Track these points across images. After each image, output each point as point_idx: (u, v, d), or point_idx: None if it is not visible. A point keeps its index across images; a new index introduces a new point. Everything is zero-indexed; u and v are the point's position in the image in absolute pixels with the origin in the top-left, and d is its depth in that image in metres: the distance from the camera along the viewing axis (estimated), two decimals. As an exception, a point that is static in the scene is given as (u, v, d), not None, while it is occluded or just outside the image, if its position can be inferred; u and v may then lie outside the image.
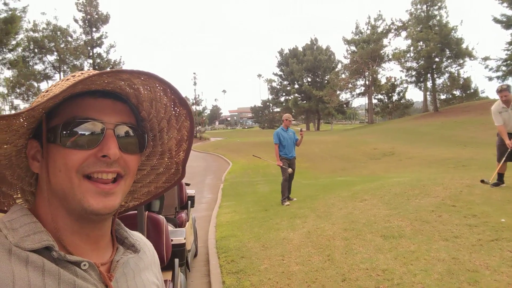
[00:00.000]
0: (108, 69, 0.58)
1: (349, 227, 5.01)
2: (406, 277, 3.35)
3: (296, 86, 53.62)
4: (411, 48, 37.11)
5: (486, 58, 32.75)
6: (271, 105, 64.42)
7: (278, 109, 61.31)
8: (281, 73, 56.72)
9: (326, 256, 4.17)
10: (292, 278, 3.75)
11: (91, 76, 0.56)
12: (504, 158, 5.99)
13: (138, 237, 0.80)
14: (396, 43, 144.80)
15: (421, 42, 35.26)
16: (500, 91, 5.98)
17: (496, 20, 31.51)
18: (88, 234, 0.65)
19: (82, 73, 0.63)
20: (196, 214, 6.66)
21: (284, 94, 58.05)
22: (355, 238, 4.56)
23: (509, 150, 5.88)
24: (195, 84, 51.35)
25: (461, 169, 11.50)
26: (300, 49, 55.03)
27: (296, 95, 53.85)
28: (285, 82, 56.58)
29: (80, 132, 0.60)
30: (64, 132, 0.60)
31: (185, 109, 0.71)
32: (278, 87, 58.27)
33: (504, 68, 31.42)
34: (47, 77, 35.31)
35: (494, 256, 3.42)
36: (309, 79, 53.57)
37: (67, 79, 0.63)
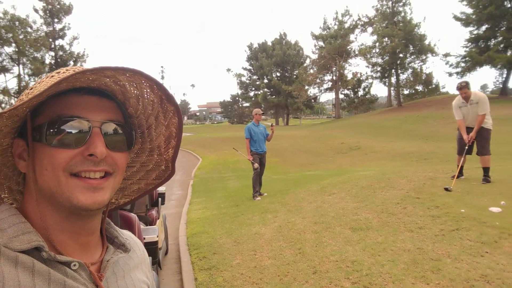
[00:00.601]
0: (93, 67, 0.56)
1: (319, 220, 5.12)
2: (374, 268, 3.47)
3: (266, 80, 53.83)
4: (377, 44, 38.10)
5: (446, 55, 34.26)
6: (241, 99, 64.38)
7: (248, 104, 61.37)
8: (250, 67, 56.76)
9: (297, 250, 4.25)
10: (265, 272, 3.80)
11: (75, 73, 0.54)
12: (464, 152, 6.30)
13: (128, 236, 0.79)
14: (363, 38, 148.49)
15: (386, 38, 36.25)
16: (460, 88, 6.25)
17: (456, 18, 32.98)
18: (78, 233, 0.65)
19: (67, 69, 0.62)
20: (166, 211, 6.58)
21: (253, 88, 58.16)
22: (325, 231, 4.67)
23: (467, 144, 6.20)
24: (162, 78, 50.58)
25: (423, 162, 12.02)
26: (269, 43, 55.19)
27: (265, 89, 54.07)
28: (255, 77, 56.65)
29: (66, 131, 0.59)
30: (50, 130, 0.59)
31: (172, 105, 0.70)
32: (248, 81, 58.29)
33: (463, 64, 32.99)
34: (4, 69, 33.36)
35: (455, 245, 3.62)
36: (278, 74, 53.89)
37: (52, 76, 0.62)
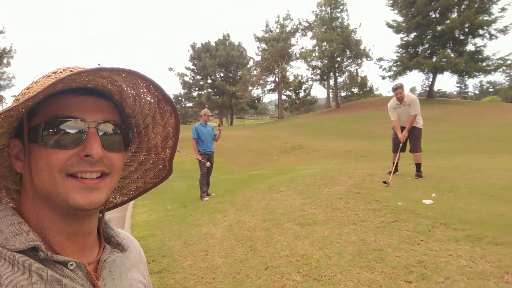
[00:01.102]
0: (88, 68, 0.56)
1: (268, 217, 5.24)
2: (323, 260, 3.64)
3: (209, 81, 53.37)
4: (316, 48, 39.60)
5: (380, 59, 36.63)
6: (184, 100, 63.17)
7: (191, 104, 60.41)
8: (193, 67, 55.85)
9: (249, 247, 4.31)
10: (217, 272, 3.80)
11: (71, 75, 0.54)
12: (398, 149, 6.80)
13: (124, 236, 0.80)
14: (303, 42, 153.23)
15: (325, 43, 37.83)
16: (395, 89, 6.76)
17: (389, 25, 35.40)
18: (74, 233, 0.64)
19: (64, 69, 0.62)
20: (109, 216, 6.29)
21: (197, 88, 57.33)
22: (275, 228, 4.79)
23: (401, 142, 6.71)
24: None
25: (360, 159, 12.75)
26: (213, 43, 54.84)
27: (209, 90, 53.62)
28: (198, 77, 55.89)
29: (62, 131, 0.59)
30: (46, 131, 0.59)
31: (169, 105, 0.71)
32: (191, 81, 57.34)
33: (395, 69, 35.51)
34: None
35: (395, 236, 3.91)
36: (222, 74, 53.75)
37: (48, 76, 0.61)
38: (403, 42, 35.51)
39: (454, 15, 32.08)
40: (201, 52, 53.61)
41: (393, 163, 6.90)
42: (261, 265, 3.79)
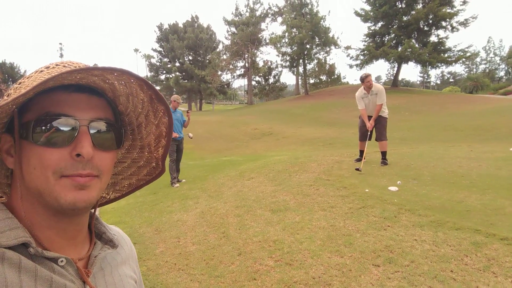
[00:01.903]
0: (80, 67, 0.54)
1: (240, 204, 5.28)
2: (294, 245, 3.73)
3: (177, 64, 52.18)
4: (286, 34, 39.60)
5: (348, 48, 37.25)
6: (151, 83, 61.51)
7: (158, 88, 58.96)
8: (161, 49, 54.28)
9: (221, 234, 4.34)
10: (190, 258, 3.81)
11: (61, 74, 0.53)
12: (367, 138, 7.01)
13: (116, 232, 0.79)
14: (273, 28, 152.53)
15: (295, 29, 37.88)
16: (365, 77, 6.93)
17: (357, 14, 35.92)
18: (65, 229, 0.63)
19: (56, 64, 0.60)
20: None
21: (164, 72, 55.92)
22: (247, 214, 4.84)
23: (369, 131, 6.92)
24: (61, 56, 45.55)
25: (328, 147, 13.04)
26: (181, 25, 53.43)
27: (177, 73, 52.49)
28: (166, 59, 54.48)
29: (52, 129, 0.58)
30: (37, 128, 0.57)
31: (162, 105, 0.70)
32: (158, 64, 55.78)
33: (362, 57, 36.27)
34: None
35: (362, 221, 4.07)
36: (190, 58, 52.63)
37: (41, 71, 0.60)
38: (370, 31, 36.24)
39: (419, 6, 33.03)
40: (168, 34, 52.12)
41: (360, 151, 7.12)
42: (234, 251, 3.84)
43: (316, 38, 37.75)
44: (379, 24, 35.44)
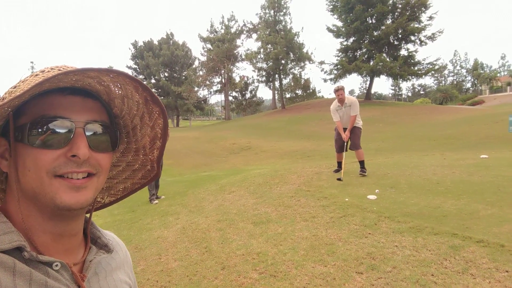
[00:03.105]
0: (76, 68, 0.56)
1: (222, 218, 5.24)
2: (278, 257, 3.72)
3: (153, 81, 51.81)
4: (261, 50, 40.18)
5: (321, 62, 38.18)
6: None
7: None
8: (135, 66, 53.86)
9: (204, 248, 4.28)
10: (172, 275, 3.73)
11: (57, 75, 0.53)
12: (344, 149, 7.14)
13: (110, 237, 0.79)
14: (249, 44, 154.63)
15: (270, 45, 38.53)
16: (337, 90, 7.10)
17: (329, 30, 36.97)
18: (60, 234, 0.63)
19: (52, 68, 0.61)
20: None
21: (140, 89, 55.23)
22: (229, 228, 4.80)
23: (345, 142, 7.06)
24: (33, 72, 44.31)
25: (307, 159, 13.17)
26: (156, 42, 53.31)
27: (153, 90, 51.50)
28: (141, 76, 53.98)
29: (48, 131, 0.58)
30: (32, 131, 0.58)
31: (157, 106, 0.71)
32: (133, 81, 55.13)
33: (335, 72, 37.19)
34: None
35: (344, 230, 4.11)
36: (166, 74, 52.40)
37: (36, 75, 0.60)
38: (343, 47, 37.31)
39: (389, 21, 34.39)
40: (143, 51, 51.83)
41: (338, 162, 7.24)
42: (218, 265, 3.79)
43: (291, 53, 38.52)
44: (351, 40, 36.57)
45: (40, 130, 0.58)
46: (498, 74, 73.02)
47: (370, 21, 35.00)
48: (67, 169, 0.59)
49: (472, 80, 79.36)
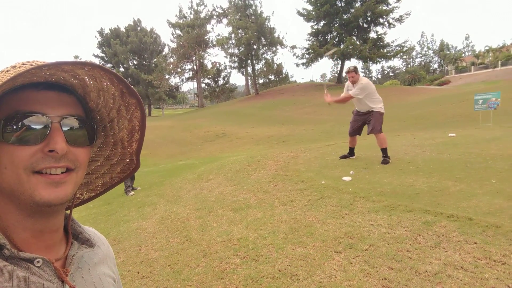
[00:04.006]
0: (49, 62, 0.55)
1: (201, 206, 5.23)
2: (259, 241, 3.77)
3: (122, 69, 50.32)
4: (233, 35, 39.75)
5: (293, 47, 38.21)
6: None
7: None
8: (103, 54, 52.06)
9: (184, 237, 4.28)
10: (154, 265, 3.72)
11: (31, 69, 0.52)
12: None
13: (91, 232, 0.79)
14: (219, 29, 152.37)
15: (241, 30, 38.17)
16: (347, 72, 6.55)
17: (300, 14, 36.93)
18: (41, 230, 0.63)
19: (23, 64, 0.59)
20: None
21: (108, 78, 53.56)
22: (208, 216, 4.81)
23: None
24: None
25: (282, 144, 13.28)
26: (123, 29, 51.59)
27: (123, 79, 50.48)
28: (109, 65, 52.27)
29: (24, 127, 0.57)
30: (7, 127, 0.57)
31: (134, 98, 0.70)
32: (101, 70, 53.34)
33: (307, 56, 37.36)
34: None
35: (322, 212, 4.20)
36: (135, 62, 51.02)
37: (7, 71, 0.58)
38: (314, 30, 37.46)
39: (358, 4, 34.71)
40: (110, 39, 50.09)
41: (350, 148, 6.79)
42: (199, 253, 3.80)
43: (262, 38, 38.32)
44: (322, 23, 36.75)
45: (15, 126, 0.57)
46: (463, 55, 75.59)
47: (340, 4, 35.22)
48: (45, 164, 0.58)
49: (439, 61, 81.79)
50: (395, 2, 33.92)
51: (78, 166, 0.63)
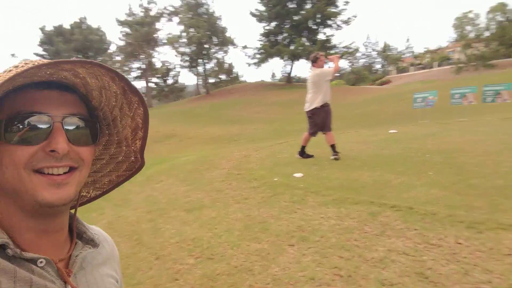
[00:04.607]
0: (49, 61, 0.53)
1: (152, 208, 5.12)
2: (213, 240, 3.77)
3: (64, 68, 47.48)
4: (184, 34, 39.18)
5: (245, 47, 38.54)
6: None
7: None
8: (44, 53, 48.69)
9: (135, 241, 4.16)
10: (104, 271, 3.58)
11: (30, 68, 0.52)
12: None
13: (97, 231, 0.78)
14: (170, 28, 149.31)
15: (193, 29, 37.74)
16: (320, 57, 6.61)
17: (252, 14, 37.31)
18: (45, 230, 0.62)
19: (26, 63, 0.58)
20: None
21: (48, 77, 50.28)
22: (160, 218, 4.72)
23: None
24: None
25: (234, 143, 13.35)
26: (67, 27, 48.68)
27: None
28: (49, 64, 49.06)
29: (26, 127, 0.57)
30: (9, 128, 0.56)
31: (136, 96, 0.69)
32: (40, 69, 49.94)
33: (259, 56, 37.84)
34: None
35: (275, 208, 4.30)
36: (79, 61, 48.38)
37: (10, 71, 0.57)
38: (266, 31, 38.03)
39: (309, 6, 35.78)
40: (53, 36, 47.06)
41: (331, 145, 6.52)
42: (151, 256, 3.72)
43: (214, 38, 38.17)
44: (273, 24, 37.41)
45: (16, 126, 0.57)
46: (403, 56, 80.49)
47: (291, 6, 36.05)
48: (45, 163, 0.57)
49: (382, 61, 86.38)
50: (344, 5, 35.45)
51: (81, 165, 0.62)
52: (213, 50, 40.51)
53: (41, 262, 0.59)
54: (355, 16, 36.15)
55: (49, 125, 0.58)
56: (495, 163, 4.96)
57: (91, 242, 0.72)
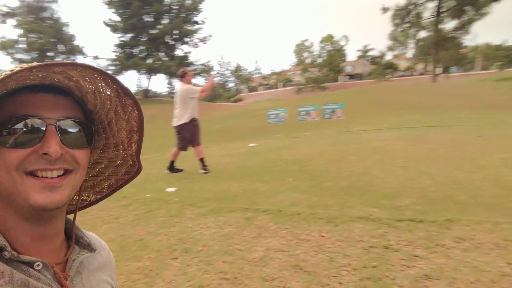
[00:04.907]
0: (39, 63, 0.52)
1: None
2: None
3: None
4: (23, 39, 34.17)
5: (96, 57, 35.94)
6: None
7: None
8: None
9: None
10: None
11: (19, 71, 0.53)
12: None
13: (93, 237, 0.78)
14: (4, 31, 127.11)
15: (34, 34, 33.28)
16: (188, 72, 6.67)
17: (106, 24, 35.08)
18: (41, 234, 0.62)
19: (21, 67, 0.57)
20: None
21: None
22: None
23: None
24: None
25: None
26: None
27: None
28: None
29: (19, 131, 0.57)
30: (2, 131, 0.57)
31: (130, 98, 0.69)
32: None
33: (113, 68, 35.73)
34: None
35: (152, 224, 4.21)
36: None
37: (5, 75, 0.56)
38: (121, 42, 36.31)
39: (166, 21, 35.75)
40: None
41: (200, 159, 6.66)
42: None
43: (61, 45, 34.42)
44: (129, 36, 36.03)
45: (10, 130, 0.57)
46: (253, 76, 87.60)
47: (147, 19, 35.37)
48: (38, 166, 0.58)
49: (234, 80, 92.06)
50: (200, 24, 36.71)
51: (76, 168, 0.62)
52: (58, 59, 36.40)
53: (38, 265, 0.59)
54: (210, 36, 38.02)
55: (42, 129, 0.58)
56: (338, 169, 5.96)
57: (88, 247, 0.72)
